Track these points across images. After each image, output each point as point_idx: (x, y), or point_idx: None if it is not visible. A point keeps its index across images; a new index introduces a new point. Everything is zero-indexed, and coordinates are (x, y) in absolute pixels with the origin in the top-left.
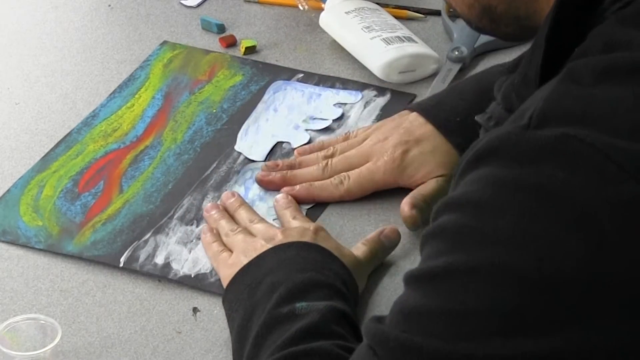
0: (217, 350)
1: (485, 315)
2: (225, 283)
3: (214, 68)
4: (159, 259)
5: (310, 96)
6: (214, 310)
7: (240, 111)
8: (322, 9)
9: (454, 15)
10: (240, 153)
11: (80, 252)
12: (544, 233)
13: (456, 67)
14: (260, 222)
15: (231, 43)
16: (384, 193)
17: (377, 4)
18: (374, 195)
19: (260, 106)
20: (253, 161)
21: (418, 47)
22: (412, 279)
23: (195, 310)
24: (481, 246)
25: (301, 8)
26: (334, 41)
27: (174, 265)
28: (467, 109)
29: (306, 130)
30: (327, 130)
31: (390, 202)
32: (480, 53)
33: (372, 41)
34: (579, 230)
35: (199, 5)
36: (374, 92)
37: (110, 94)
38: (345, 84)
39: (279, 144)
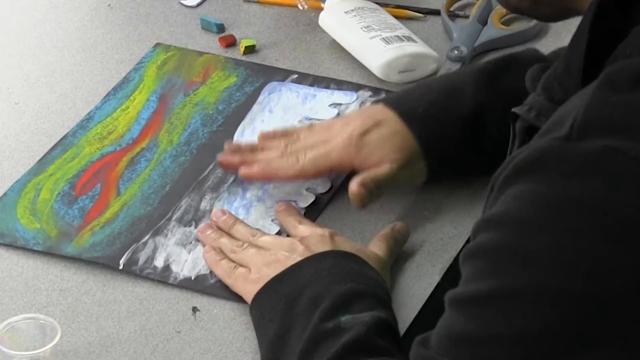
0: (217, 350)
1: (535, 338)
2: (250, 297)
3: (208, 69)
4: (159, 262)
5: (306, 97)
6: (213, 309)
7: (236, 112)
8: (322, 9)
9: (453, 15)
10: None
11: (79, 254)
12: (589, 249)
13: (456, 67)
14: (263, 235)
15: (231, 43)
16: (381, 197)
17: (377, 3)
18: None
19: (255, 107)
20: None
21: (417, 47)
22: (456, 302)
23: (194, 309)
24: (526, 267)
25: (301, 8)
26: (334, 41)
27: (174, 268)
28: (432, 100)
29: None
30: None
31: (390, 203)
32: (480, 52)
33: (371, 41)
34: (624, 245)
35: (198, 5)
36: (369, 93)
37: (105, 97)
38: (340, 84)
39: None
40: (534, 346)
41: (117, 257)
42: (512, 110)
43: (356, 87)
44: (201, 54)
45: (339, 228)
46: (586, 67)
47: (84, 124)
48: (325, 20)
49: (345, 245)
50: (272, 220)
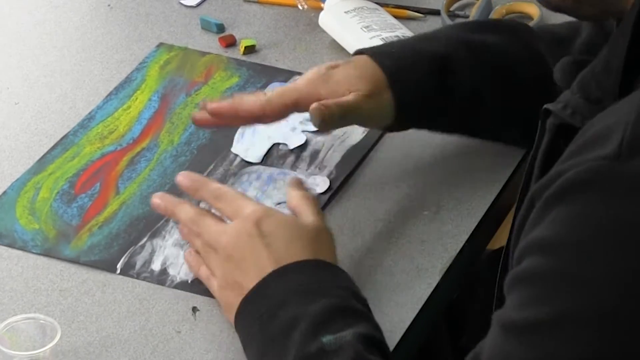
0: (217, 350)
1: None
2: (227, 313)
3: (211, 70)
4: (156, 265)
5: None
6: (213, 309)
7: None
8: (322, 9)
9: (453, 15)
10: (236, 155)
11: (77, 257)
12: None
13: None
14: (205, 233)
15: (230, 43)
16: (384, 191)
17: (377, 3)
18: (374, 194)
19: None
20: (250, 163)
21: None
22: (512, 328)
23: (194, 309)
24: (584, 292)
25: (300, 8)
26: (334, 41)
27: (171, 271)
28: (403, 44)
29: (303, 131)
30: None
31: (389, 203)
32: None
33: (371, 41)
34: None
35: (198, 5)
36: None
37: (107, 96)
38: None
39: (275, 145)
40: None
41: (115, 261)
42: (545, 106)
43: None
44: (204, 54)
45: (338, 228)
46: (626, 67)
47: (85, 124)
48: (325, 20)
49: (277, 237)
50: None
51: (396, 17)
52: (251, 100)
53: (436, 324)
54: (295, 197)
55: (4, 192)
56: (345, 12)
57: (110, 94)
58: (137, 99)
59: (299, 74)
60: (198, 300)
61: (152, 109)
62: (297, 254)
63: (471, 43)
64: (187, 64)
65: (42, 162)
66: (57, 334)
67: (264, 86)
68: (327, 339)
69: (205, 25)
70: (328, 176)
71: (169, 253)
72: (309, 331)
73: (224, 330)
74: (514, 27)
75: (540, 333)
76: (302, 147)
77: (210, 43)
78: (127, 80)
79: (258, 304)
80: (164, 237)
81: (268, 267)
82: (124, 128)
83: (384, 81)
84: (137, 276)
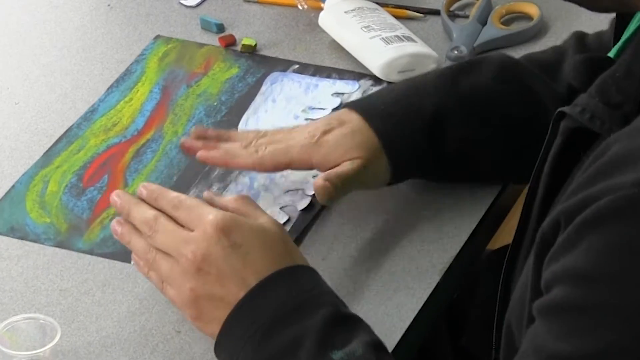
0: None
1: None
2: (203, 327)
3: (210, 61)
4: None
5: (308, 87)
6: None
7: (239, 103)
8: (322, 9)
9: (453, 15)
10: None
11: (91, 249)
12: None
13: None
14: (160, 232)
15: (230, 43)
16: (384, 191)
17: (377, 3)
18: (371, 199)
19: (258, 98)
20: None
21: (417, 47)
22: None
23: None
24: (630, 323)
25: (300, 8)
26: (333, 41)
27: None
28: (393, 98)
29: (305, 119)
30: None
31: (389, 203)
32: (480, 52)
33: (371, 41)
34: None
35: (198, 4)
36: (371, 82)
37: (108, 89)
38: (342, 74)
39: None
40: None
41: (129, 252)
42: (560, 109)
43: (358, 77)
44: (202, 45)
45: (337, 229)
46: None
47: (89, 116)
48: (325, 20)
49: (248, 244)
50: (280, 208)
51: (396, 17)
52: (243, 155)
53: (436, 324)
54: (231, 201)
55: (13, 186)
56: (345, 12)
57: (111, 87)
58: (138, 91)
59: (299, 63)
60: None
61: (154, 100)
62: (275, 262)
63: (460, 92)
64: (186, 56)
65: (49, 156)
66: (57, 334)
67: (264, 76)
68: (337, 355)
69: (205, 25)
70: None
71: None
72: (317, 349)
73: None
74: (502, 64)
75: None
76: None
77: (210, 43)
78: (127, 73)
79: (246, 323)
80: None
81: (251, 280)
82: (128, 120)
83: (378, 146)
84: None
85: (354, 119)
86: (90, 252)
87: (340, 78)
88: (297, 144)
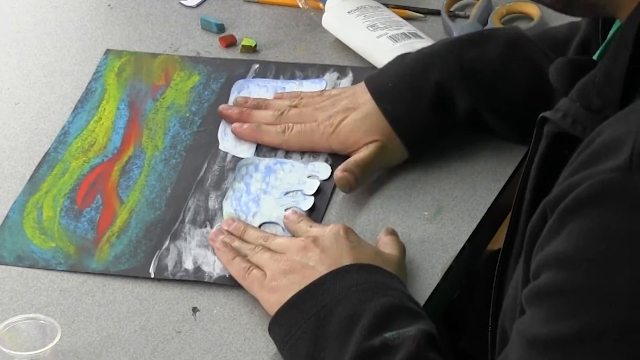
0: (217, 350)
1: None
2: (270, 307)
3: (168, 71)
4: (188, 264)
5: (275, 90)
6: (213, 309)
7: (210, 111)
8: (321, 9)
9: (453, 15)
10: (227, 152)
11: (106, 269)
12: None
13: None
14: (276, 237)
15: (231, 43)
16: (381, 197)
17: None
18: (371, 199)
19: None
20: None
21: (425, 43)
22: (537, 343)
23: (194, 310)
24: (607, 306)
25: (301, 6)
26: (334, 41)
27: (205, 269)
28: (401, 74)
29: None
30: None
31: (389, 203)
32: None
33: (379, 40)
34: None
35: (198, 5)
36: (336, 74)
37: (74, 110)
38: (304, 70)
39: None
40: None
41: (145, 267)
42: (542, 115)
43: (321, 71)
44: (155, 55)
45: None
46: (627, 78)
47: (62, 139)
48: (329, 21)
49: (362, 247)
50: (285, 210)
51: None
52: (271, 133)
53: (436, 325)
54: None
55: (7, 217)
56: (348, 12)
57: (76, 108)
58: (104, 109)
59: (259, 62)
60: (198, 300)
61: (124, 117)
62: (375, 261)
63: (464, 65)
64: (142, 68)
65: (34, 182)
66: (57, 334)
67: (227, 82)
68: (390, 334)
69: (206, 26)
70: (326, 162)
71: (197, 253)
72: (372, 327)
73: (224, 330)
74: (511, 38)
75: (565, 348)
76: None
77: (210, 43)
78: (88, 92)
79: (312, 301)
80: (185, 239)
81: (318, 263)
82: (103, 139)
83: (390, 130)
84: (173, 276)
85: (366, 101)
86: (107, 272)
87: (305, 77)
88: (318, 131)
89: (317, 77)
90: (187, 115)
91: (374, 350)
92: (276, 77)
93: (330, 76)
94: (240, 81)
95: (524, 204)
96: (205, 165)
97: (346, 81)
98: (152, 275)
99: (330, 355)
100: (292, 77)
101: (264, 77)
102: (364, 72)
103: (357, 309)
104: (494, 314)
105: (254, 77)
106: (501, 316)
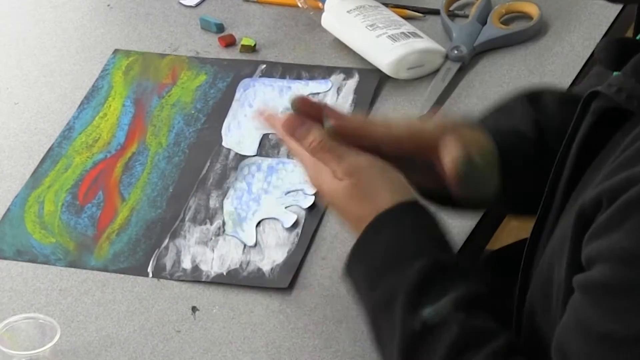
0: (216, 350)
1: None
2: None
3: (175, 70)
4: (186, 264)
5: (281, 89)
6: (213, 309)
7: (215, 109)
8: (320, 9)
9: (453, 15)
10: (229, 149)
11: (105, 267)
12: None
13: (455, 66)
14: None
15: (230, 43)
16: None
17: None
18: None
19: (234, 104)
20: (246, 156)
21: (425, 42)
22: (607, 339)
23: (194, 309)
24: None
25: (300, 6)
26: (334, 40)
27: (203, 267)
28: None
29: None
30: None
31: None
32: (480, 52)
33: (378, 39)
34: None
35: (198, 4)
36: (342, 76)
37: (79, 106)
38: (311, 71)
39: (265, 136)
40: None
41: (144, 266)
42: (595, 89)
43: (327, 72)
44: (163, 55)
45: (337, 229)
46: None
47: (67, 134)
48: (329, 21)
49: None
50: (285, 208)
51: None
52: (379, 127)
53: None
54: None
55: (8, 209)
56: (347, 12)
57: (82, 104)
58: (110, 105)
59: (266, 62)
60: (197, 299)
61: (129, 114)
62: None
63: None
64: (150, 68)
65: (36, 177)
66: (57, 333)
67: (233, 81)
68: (427, 312)
69: (205, 25)
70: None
71: (195, 251)
72: (409, 304)
73: (224, 330)
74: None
75: (637, 345)
76: None
77: (210, 43)
78: (95, 89)
79: (366, 255)
80: (185, 237)
81: (397, 196)
82: (107, 135)
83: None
84: (171, 276)
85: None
86: (105, 269)
87: (311, 78)
88: (430, 125)
89: (324, 78)
90: (192, 112)
91: (416, 335)
92: (282, 77)
93: (337, 77)
94: (247, 80)
95: (560, 183)
96: (208, 164)
97: (352, 83)
98: (150, 275)
99: (383, 333)
100: (299, 77)
101: (270, 76)
102: (370, 74)
103: (395, 283)
104: (520, 291)
105: (260, 77)
106: (529, 293)
